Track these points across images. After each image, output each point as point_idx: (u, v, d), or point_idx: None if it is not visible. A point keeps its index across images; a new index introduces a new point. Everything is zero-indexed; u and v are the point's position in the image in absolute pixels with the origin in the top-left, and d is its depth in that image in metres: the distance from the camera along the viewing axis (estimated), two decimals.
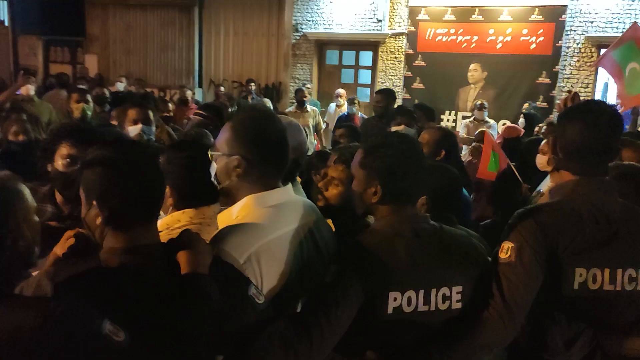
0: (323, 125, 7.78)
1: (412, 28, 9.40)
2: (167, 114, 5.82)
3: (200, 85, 11.29)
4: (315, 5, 10.05)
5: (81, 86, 7.31)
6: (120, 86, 7.96)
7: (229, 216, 1.52)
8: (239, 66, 11.11)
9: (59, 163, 2.11)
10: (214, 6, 11.10)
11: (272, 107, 7.74)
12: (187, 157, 1.77)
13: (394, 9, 9.52)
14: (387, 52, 9.70)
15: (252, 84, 8.78)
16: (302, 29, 10.19)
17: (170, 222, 1.77)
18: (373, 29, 9.69)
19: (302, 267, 1.50)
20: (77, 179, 2.10)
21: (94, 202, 1.29)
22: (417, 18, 9.35)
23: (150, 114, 3.25)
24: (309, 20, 10.16)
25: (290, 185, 1.62)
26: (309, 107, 7.77)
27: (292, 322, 1.40)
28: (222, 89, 8.61)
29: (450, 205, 2.13)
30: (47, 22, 12.20)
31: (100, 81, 10.09)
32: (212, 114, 3.89)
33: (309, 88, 8.75)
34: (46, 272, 1.25)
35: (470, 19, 9.03)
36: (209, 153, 1.58)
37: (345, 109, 8.21)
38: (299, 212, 1.58)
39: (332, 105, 8.46)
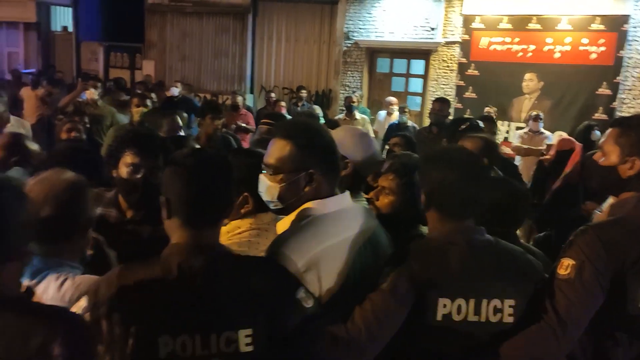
0: (372, 135, 7.74)
1: (466, 36, 9.25)
2: None
3: (251, 92, 11.48)
4: (368, 13, 10.05)
5: (138, 90, 7.61)
6: (175, 91, 8.19)
7: (288, 223, 1.55)
8: (289, 73, 11.23)
9: (123, 170, 2.19)
10: (267, 13, 11.28)
11: (321, 114, 7.78)
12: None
13: (448, 17, 9.40)
14: (439, 60, 9.58)
15: (303, 90, 8.84)
16: (353, 36, 10.21)
17: (230, 229, 1.81)
18: (426, 37, 9.60)
19: (360, 274, 1.51)
20: (140, 185, 2.17)
21: (163, 197, 1.37)
22: (471, 26, 9.19)
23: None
24: (360, 28, 10.16)
25: (348, 192, 1.63)
26: (358, 115, 7.75)
27: (344, 322, 1.42)
28: (273, 95, 8.71)
29: (511, 220, 2.09)
30: (108, 29, 12.73)
31: (161, 87, 10.43)
32: (275, 121, 3.99)
33: (358, 96, 8.75)
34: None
35: (527, 27, 8.81)
36: (266, 176, 1.57)
37: (395, 117, 8.16)
38: (359, 218, 1.59)
39: (382, 113, 8.42)
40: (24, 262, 1.28)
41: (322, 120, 6.03)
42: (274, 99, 8.47)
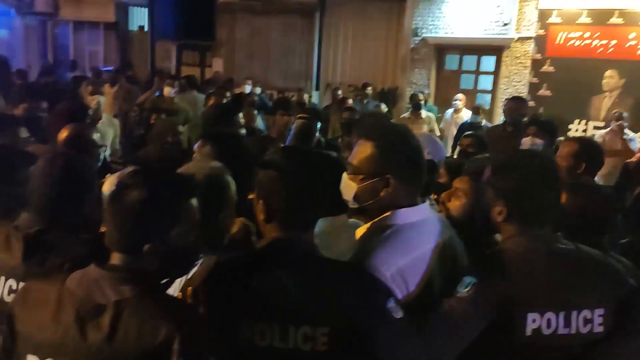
0: (437, 133, 7.57)
1: (542, 32, 8.86)
2: None
3: (317, 89, 11.53)
4: (437, 9, 9.83)
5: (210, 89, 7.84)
6: (248, 89, 8.37)
7: (369, 231, 1.55)
8: (356, 70, 11.18)
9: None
10: (334, 11, 11.28)
11: (387, 112, 7.68)
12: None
13: (522, 11, 9.04)
14: (511, 57, 9.24)
15: (369, 88, 8.77)
16: (421, 33, 10.03)
17: None
18: (498, 33, 9.27)
19: (442, 284, 1.48)
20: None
21: (260, 201, 1.38)
22: (548, 21, 8.79)
23: None
24: (429, 25, 9.96)
25: (428, 201, 1.61)
26: (424, 114, 7.61)
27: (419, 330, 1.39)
28: (339, 92, 8.70)
29: (600, 229, 1.98)
30: (181, 27, 13.13)
31: (230, 84, 10.68)
32: (311, 115, 4.11)
33: (425, 94, 8.58)
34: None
35: (608, 22, 8.32)
36: (347, 175, 1.57)
37: (463, 114, 7.94)
38: (438, 229, 1.55)
39: (449, 111, 8.22)
40: None
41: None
42: (340, 96, 8.45)
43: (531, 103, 9.03)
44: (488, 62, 9.69)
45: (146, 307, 1.18)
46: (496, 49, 9.39)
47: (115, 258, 1.26)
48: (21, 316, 1.25)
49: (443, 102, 9.57)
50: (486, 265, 1.50)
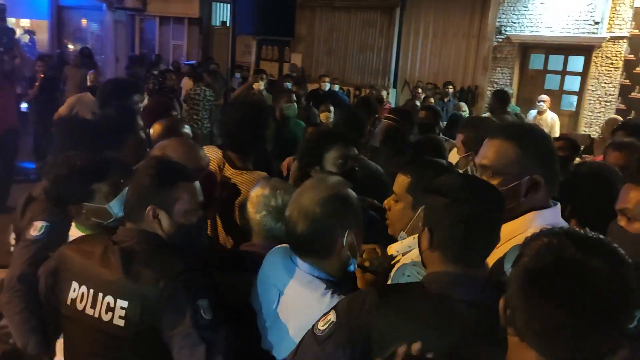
0: None
1: (636, 31, 8.42)
2: None
3: (394, 86, 11.50)
4: (523, 7, 9.55)
5: (287, 83, 7.99)
6: (327, 86, 8.45)
7: (513, 231, 1.45)
8: (435, 68, 11.06)
9: (330, 164, 2.30)
10: (415, 7, 11.20)
11: (467, 112, 7.58)
12: None
13: (616, 10, 8.62)
14: (602, 57, 8.84)
15: (450, 86, 8.68)
16: (505, 31, 9.78)
17: (399, 248, 1.76)
18: (588, 32, 8.90)
19: None
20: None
21: (426, 229, 1.29)
22: None
23: None
24: (514, 22, 9.70)
25: (559, 204, 1.55)
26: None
27: None
28: (420, 90, 8.67)
29: None
30: (261, 23, 13.45)
31: (303, 77, 10.84)
32: (400, 118, 3.92)
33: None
34: None
35: None
36: (488, 176, 1.46)
37: (547, 116, 7.72)
38: None
39: (533, 112, 8.01)
40: None
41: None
42: (422, 94, 8.40)
43: (621, 106, 8.64)
44: (575, 62, 9.32)
45: None
46: (585, 48, 9.01)
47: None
48: None
49: (525, 102, 9.33)
50: None
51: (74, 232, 1.89)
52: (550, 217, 1.44)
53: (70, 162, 1.88)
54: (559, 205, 1.53)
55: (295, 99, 5.52)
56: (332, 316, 1.28)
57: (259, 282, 1.68)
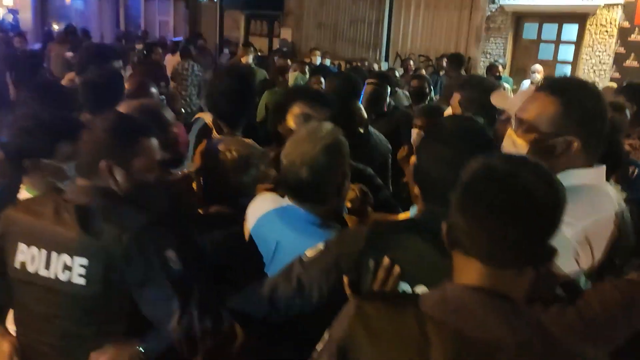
0: None
1: None
2: None
3: (386, 59, 11.34)
4: None
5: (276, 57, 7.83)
6: (318, 60, 8.29)
7: None
8: (427, 40, 10.88)
9: (291, 122, 2.21)
10: None
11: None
12: None
13: None
14: (596, 25, 8.71)
15: (445, 59, 8.52)
16: (498, 0, 9.61)
17: None
18: None
19: (615, 257, 1.36)
20: None
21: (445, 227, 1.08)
22: None
23: None
24: None
25: (604, 166, 1.43)
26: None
27: None
28: (411, 63, 8.52)
29: None
30: None
31: (294, 52, 10.65)
32: (381, 81, 4.03)
33: (502, 63, 8.25)
34: None
35: None
36: (515, 131, 1.39)
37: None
38: (613, 197, 1.40)
39: (526, 82, 7.89)
40: None
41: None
42: (413, 67, 8.26)
43: (616, 74, 8.55)
44: (570, 31, 9.19)
45: None
46: (580, 16, 8.87)
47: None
48: None
49: (519, 72, 9.21)
50: None
51: (25, 196, 1.79)
52: (588, 177, 1.36)
53: (37, 116, 1.80)
54: (603, 166, 1.43)
55: (306, 70, 5.43)
56: (321, 246, 1.39)
57: (254, 237, 1.70)
